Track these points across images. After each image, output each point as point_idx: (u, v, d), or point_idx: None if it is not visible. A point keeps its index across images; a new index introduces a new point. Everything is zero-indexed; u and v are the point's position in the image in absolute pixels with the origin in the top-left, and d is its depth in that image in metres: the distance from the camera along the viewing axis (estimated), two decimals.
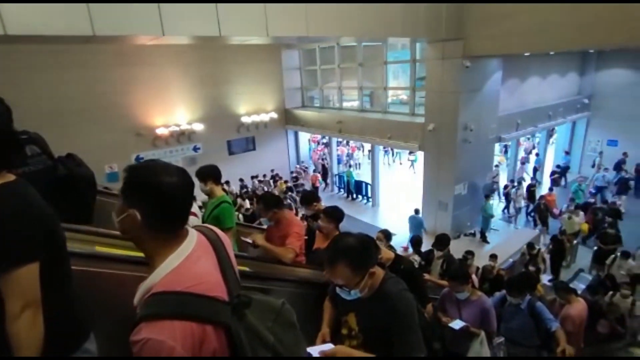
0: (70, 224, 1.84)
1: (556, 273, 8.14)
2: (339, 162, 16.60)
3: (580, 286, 7.13)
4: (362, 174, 16.04)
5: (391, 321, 1.68)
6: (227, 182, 12.84)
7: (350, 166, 15.48)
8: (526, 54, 10.58)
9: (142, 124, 12.04)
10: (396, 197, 13.97)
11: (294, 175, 14.85)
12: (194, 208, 2.87)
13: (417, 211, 10.44)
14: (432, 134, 10.14)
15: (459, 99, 9.51)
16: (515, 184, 11.84)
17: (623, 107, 13.94)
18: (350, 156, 17.86)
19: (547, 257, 7.93)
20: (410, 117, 11.75)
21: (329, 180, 15.90)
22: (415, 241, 6.55)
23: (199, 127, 13.10)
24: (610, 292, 5.74)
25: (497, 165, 13.31)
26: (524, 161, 15.53)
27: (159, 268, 1.08)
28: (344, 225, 3.89)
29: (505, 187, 11.97)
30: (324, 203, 13.34)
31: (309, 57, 15.30)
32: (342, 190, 15.35)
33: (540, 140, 15.62)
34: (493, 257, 7.19)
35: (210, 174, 3.33)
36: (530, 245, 7.69)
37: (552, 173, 13.03)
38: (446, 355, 3.25)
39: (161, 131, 12.38)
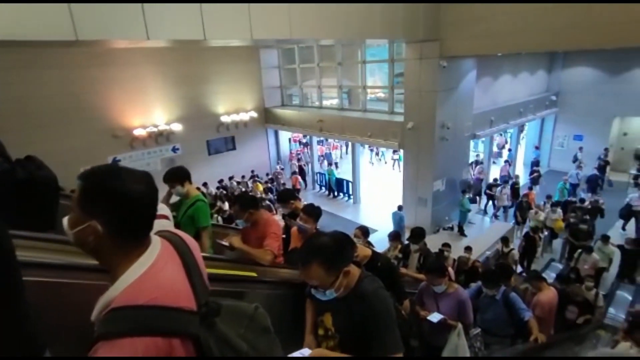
0: (32, 230, 1.75)
1: (528, 267, 8.53)
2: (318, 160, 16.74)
3: (552, 275, 7.54)
4: (342, 173, 16.22)
5: (368, 320, 1.66)
6: (205, 184, 12.80)
7: (330, 164, 15.58)
8: (499, 54, 11.01)
9: (119, 125, 11.76)
10: (378, 194, 14.27)
11: (271, 177, 14.73)
12: (165, 210, 2.79)
13: (400, 207, 10.74)
14: (412, 132, 10.42)
15: (436, 98, 9.82)
16: (500, 182, 12.11)
17: (587, 104, 14.75)
18: (326, 156, 17.91)
19: (517, 254, 8.09)
20: (389, 116, 12.02)
21: (308, 179, 16.00)
22: (394, 235, 6.32)
23: (177, 127, 12.92)
24: (577, 285, 6.12)
25: (481, 163, 13.74)
26: (497, 156, 16.19)
27: (118, 280, 0.99)
28: (326, 223, 4.03)
29: (490, 187, 12.14)
30: (306, 201, 13.49)
31: (288, 55, 15.32)
32: (323, 188, 15.49)
33: (512, 136, 16.26)
34: (468, 249, 7.39)
35: (186, 175, 3.31)
36: (505, 241, 7.96)
37: (532, 172, 13.44)
38: (425, 347, 3.44)
39: (139, 132, 12.13)
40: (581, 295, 5.40)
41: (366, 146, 17.62)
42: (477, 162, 13.91)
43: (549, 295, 4.68)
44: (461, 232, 11.01)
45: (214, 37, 5.22)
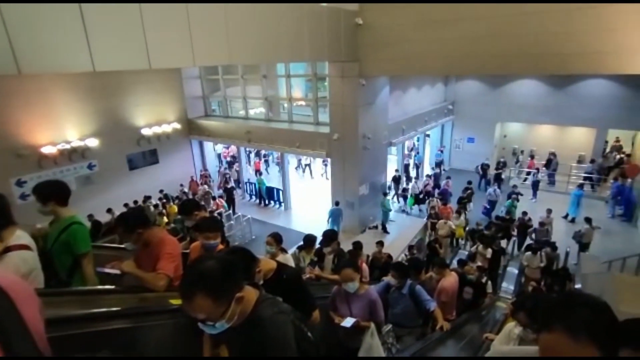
0: None
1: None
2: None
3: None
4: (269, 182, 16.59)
5: (264, 350, 1.50)
6: (149, 197, 12.41)
7: (260, 174, 15.88)
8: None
9: (23, 143, 10.59)
10: (307, 201, 15.03)
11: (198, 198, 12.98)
12: (24, 238, 2.25)
13: (337, 203, 11.78)
14: (337, 142, 11.38)
15: (357, 112, 10.91)
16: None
17: (476, 111, 17.48)
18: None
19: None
20: (315, 127, 12.86)
21: (237, 191, 15.79)
22: (330, 236, 5.55)
23: (93, 142, 12.06)
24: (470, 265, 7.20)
25: (429, 176, 14.93)
26: (408, 156, 18.13)
27: None
28: (259, 231, 4.36)
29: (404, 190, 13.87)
30: (239, 211, 13.47)
31: (211, 67, 15.24)
32: (253, 197, 15.74)
33: (419, 141, 18.40)
34: (379, 243, 7.69)
35: (53, 194, 2.77)
36: (411, 248, 9.23)
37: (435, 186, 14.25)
38: (343, 351, 3.45)
39: (48, 150, 11.06)
40: (473, 273, 5.99)
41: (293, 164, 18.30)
42: (429, 176, 15.07)
43: (450, 280, 4.98)
44: (384, 230, 12.33)
45: (158, 65, 5.35)
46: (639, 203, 12.31)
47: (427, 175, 15.04)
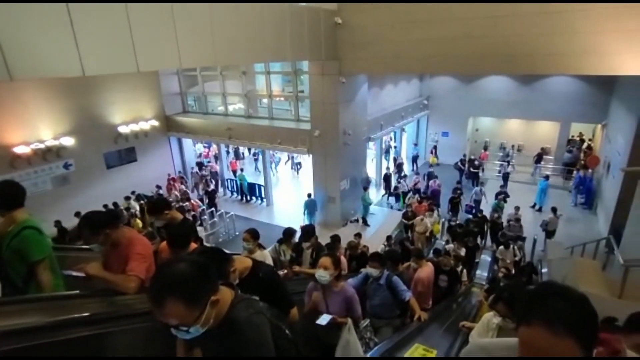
0: None
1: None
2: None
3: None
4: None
5: (242, 352, 1.46)
6: (128, 198, 12.24)
7: (241, 170, 15.91)
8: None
9: None
10: (289, 196, 15.24)
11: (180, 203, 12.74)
12: None
13: (310, 195, 12.26)
14: (318, 139, 11.63)
15: (338, 109, 11.17)
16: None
17: (450, 106, 18.13)
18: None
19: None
20: (296, 124, 13.04)
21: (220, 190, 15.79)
22: (309, 231, 5.66)
23: (68, 141, 11.78)
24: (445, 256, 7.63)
25: (417, 174, 15.00)
26: (387, 150, 18.58)
27: None
28: (241, 228, 4.33)
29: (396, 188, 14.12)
30: (221, 208, 13.46)
31: None
32: (235, 193, 15.79)
33: (395, 136, 18.90)
34: (357, 235, 7.84)
35: None
36: (389, 239, 9.54)
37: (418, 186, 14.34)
38: (321, 348, 3.38)
39: (21, 150, 10.74)
40: (449, 265, 6.16)
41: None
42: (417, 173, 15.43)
43: (426, 270, 5.12)
44: (365, 223, 12.72)
45: (146, 67, 5.41)
46: (598, 192, 13.27)
47: (416, 173, 15.06)
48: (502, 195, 12.25)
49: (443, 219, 11.97)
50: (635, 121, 9.51)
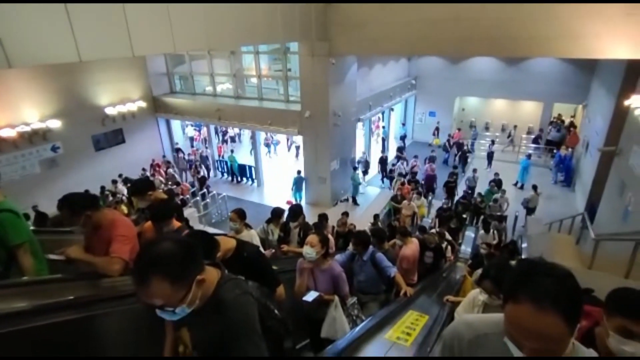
0: None
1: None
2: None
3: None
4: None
5: (225, 333, 1.44)
6: (115, 181, 12.10)
7: (232, 151, 15.92)
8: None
9: None
10: (280, 177, 15.40)
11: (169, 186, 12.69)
12: None
13: (299, 172, 12.72)
14: (309, 120, 11.75)
15: (328, 90, 11.26)
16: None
17: (438, 86, 18.36)
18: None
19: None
20: (286, 104, 13.09)
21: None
22: (297, 210, 5.57)
23: (55, 124, 11.60)
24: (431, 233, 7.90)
25: (416, 156, 14.57)
26: (375, 130, 18.76)
27: None
28: (232, 208, 4.22)
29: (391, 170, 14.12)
30: (213, 190, 13.45)
31: None
32: (225, 174, 15.89)
33: (385, 116, 19.07)
34: (345, 214, 8.02)
35: None
36: (376, 217, 9.76)
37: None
38: (308, 323, 3.49)
39: (6, 133, 10.57)
40: (434, 242, 6.34)
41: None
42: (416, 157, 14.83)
43: (412, 248, 5.22)
44: (354, 202, 13.08)
45: (141, 52, 5.43)
46: (577, 170, 13.86)
47: (415, 156, 14.63)
48: (493, 183, 11.91)
49: (431, 200, 12.35)
50: (614, 102, 9.92)
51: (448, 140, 16.61)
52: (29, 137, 11.12)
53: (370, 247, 4.05)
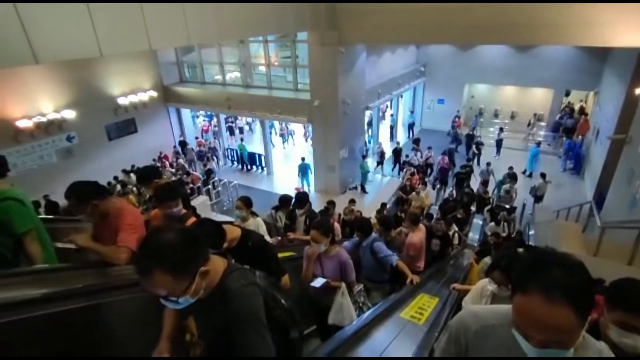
0: None
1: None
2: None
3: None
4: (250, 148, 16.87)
5: (230, 323, 1.44)
6: (127, 172, 12.38)
7: (242, 140, 16.12)
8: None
9: None
10: (290, 166, 15.57)
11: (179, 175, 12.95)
12: None
13: (303, 159, 13.08)
14: (318, 108, 11.84)
15: (337, 79, 11.31)
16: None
17: (446, 73, 18.22)
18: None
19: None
20: (295, 93, 13.17)
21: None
22: (299, 198, 5.50)
23: (70, 114, 11.87)
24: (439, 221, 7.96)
25: (429, 148, 14.11)
26: (382, 119, 18.75)
27: None
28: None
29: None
30: (220, 177, 13.66)
31: None
32: (235, 163, 16.12)
33: (393, 103, 19.05)
34: (351, 201, 8.09)
35: None
36: (384, 206, 9.87)
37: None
38: (315, 309, 3.49)
39: (24, 123, 10.86)
40: (441, 230, 6.40)
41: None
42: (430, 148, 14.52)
43: (419, 235, 5.19)
44: (363, 190, 13.25)
45: (158, 45, 5.60)
46: (586, 158, 13.82)
47: (428, 147, 14.28)
48: (508, 179, 11.34)
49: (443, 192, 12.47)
50: (625, 90, 9.85)
51: (453, 127, 16.58)
52: (45, 127, 11.41)
53: (373, 234, 4.04)
